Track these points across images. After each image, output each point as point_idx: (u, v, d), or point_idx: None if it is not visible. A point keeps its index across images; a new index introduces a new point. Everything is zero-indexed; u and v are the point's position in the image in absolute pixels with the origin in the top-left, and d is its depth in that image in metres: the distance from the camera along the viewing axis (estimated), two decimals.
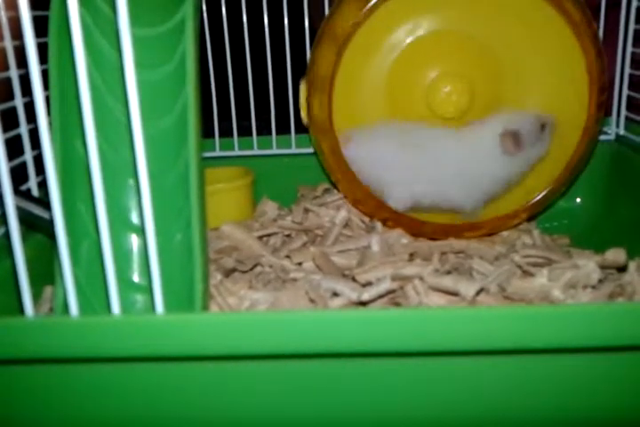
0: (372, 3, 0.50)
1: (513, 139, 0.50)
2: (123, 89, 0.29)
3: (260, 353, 0.31)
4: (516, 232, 0.56)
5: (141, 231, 0.39)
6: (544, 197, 0.55)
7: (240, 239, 0.52)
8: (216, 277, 0.45)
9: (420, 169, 0.52)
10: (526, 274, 0.45)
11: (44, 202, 0.40)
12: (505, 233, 0.56)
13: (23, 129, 0.48)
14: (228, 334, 0.30)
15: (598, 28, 0.60)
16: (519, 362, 0.32)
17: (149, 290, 0.36)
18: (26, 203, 0.40)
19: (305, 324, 0.30)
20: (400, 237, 0.52)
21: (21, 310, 0.32)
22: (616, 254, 0.44)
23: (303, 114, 0.55)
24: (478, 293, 0.41)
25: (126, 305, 0.38)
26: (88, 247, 0.39)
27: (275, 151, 0.66)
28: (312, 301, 0.42)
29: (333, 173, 0.55)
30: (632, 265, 0.43)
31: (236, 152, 0.66)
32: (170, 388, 0.32)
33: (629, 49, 0.61)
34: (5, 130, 0.45)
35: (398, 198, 0.53)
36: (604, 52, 0.52)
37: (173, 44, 0.41)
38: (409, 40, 0.53)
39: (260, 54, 0.63)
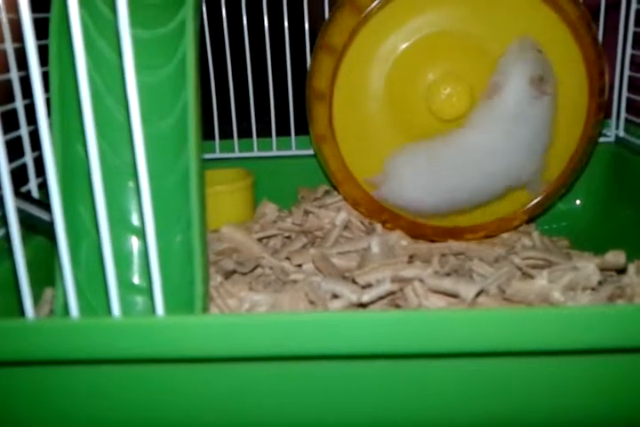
0: (367, 11, 0.50)
1: (541, 81, 0.50)
2: (123, 91, 0.29)
3: (259, 355, 0.31)
4: (515, 234, 0.56)
5: (141, 233, 0.39)
6: (543, 198, 0.55)
7: (240, 241, 0.52)
8: (216, 278, 0.45)
9: (454, 178, 0.52)
10: (526, 276, 0.45)
11: (45, 204, 0.40)
12: (505, 235, 0.56)
13: (24, 131, 0.49)
14: (228, 336, 0.30)
15: (598, 30, 0.60)
16: (519, 364, 0.32)
17: (149, 292, 0.36)
18: (26, 205, 0.40)
19: (305, 326, 0.30)
20: (400, 239, 0.52)
21: (22, 312, 0.32)
22: (616, 256, 0.44)
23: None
24: (478, 294, 0.41)
25: (126, 307, 0.38)
26: (88, 249, 0.39)
27: (275, 153, 0.66)
28: (312, 302, 0.42)
29: (333, 175, 0.55)
30: (631, 267, 0.43)
31: (237, 154, 0.66)
32: (170, 390, 0.32)
33: (629, 51, 0.61)
34: (6, 131, 0.45)
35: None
36: (603, 54, 0.52)
37: (173, 46, 0.41)
38: (407, 44, 0.53)
39: (261, 56, 0.63)
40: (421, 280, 0.42)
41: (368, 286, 0.43)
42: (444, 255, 0.51)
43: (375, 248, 0.48)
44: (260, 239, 0.53)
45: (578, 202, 0.63)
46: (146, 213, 0.30)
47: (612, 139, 0.64)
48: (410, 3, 0.51)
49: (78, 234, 0.39)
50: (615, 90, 0.62)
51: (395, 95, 0.54)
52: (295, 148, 0.66)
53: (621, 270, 0.45)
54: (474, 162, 0.51)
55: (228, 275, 0.48)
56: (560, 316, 0.30)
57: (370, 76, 0.53)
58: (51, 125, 0.39)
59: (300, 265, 0.49)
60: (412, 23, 0.52)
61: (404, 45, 0.53)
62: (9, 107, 0.47)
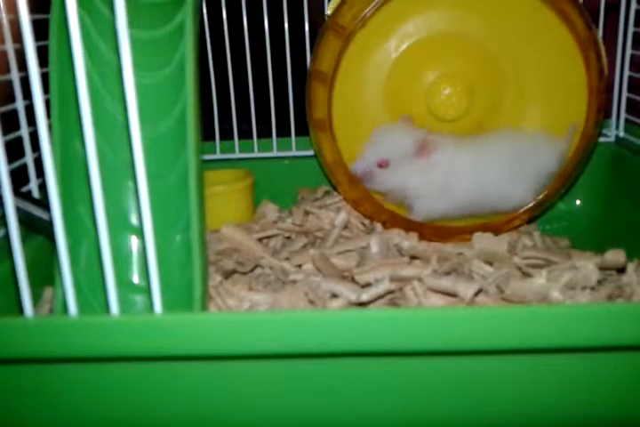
0: (363, 15, 0.50)
1: None
2: (122, 91, 0.29)
3: (258, 353, 0.31)
4: (516, 234, 0.56)
5: (141, 233, 0.39)
6: (544, 198, 0.55)
7: (240, 241, 0.52)
8: (215, 278, 0.45)
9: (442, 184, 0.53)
10: (525, 275, 0.45)
11: (44, 203, 0.40)
12: (505, 235, 0.56)
13: (24, 131, 0.49)
14: (226, 334, 0.30)
15: (598, 30, 0.60)
16: (517, 362, 0.32)
17: (148, 291, 0.36)
18: (26, 204, 0.40)
19: (303, 324, 0.30)
20: (399, 239, 0.52)
21: (21, 311, 0.32)
22: (615, 256, 0.44)
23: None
24: (477, 294, 0.41)
25: (125, 306, 0.38)
26: (87, 249, 0.39)
27: (275, 154, 0.66)
28: (311, 302, 0.42)
29: (333, 175, 0.55)
30: (631, 266, 0.43)
31: (237, 155, 0.66)
32: (168, 388, 0.32)
33: (629, 51, 0.61)
34: (6, 132, 0.45)
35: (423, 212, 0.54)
36: (603, 54, 0.52)
37: (173, 47, 0.41)
38: (410, 41, 0.53)
39: (261, 57, 0.63)
40: (420, 279, 0.42)
41: (367, 285, 0.43)
42: (442, 255, 0.51)
43: (374, 247, 0.48)
44: (260, 239, 0.54)
45: (578, 202, 0.63)
46: (144, 212, 0.30)
47: (612, 139, 0.64)
48: (407, 4, 0.52)
49: (78, 234, 0.39)
50: (615, 90, 0.62)
51: (395, 92, 0.54)
52: (295, 149, 0.66)
53: (621, 270, 0.45)
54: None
55: (228, 275, 0.48)
56: (558, 314, 0.30)
57: (372, 68, 0.53)
58: (50, 126, 0.40)
59: (299, 265, 0.49)
60: (409, 24, 0.52)
61: (407, 42, 0.53)
62: (9, 107, 0.48)
